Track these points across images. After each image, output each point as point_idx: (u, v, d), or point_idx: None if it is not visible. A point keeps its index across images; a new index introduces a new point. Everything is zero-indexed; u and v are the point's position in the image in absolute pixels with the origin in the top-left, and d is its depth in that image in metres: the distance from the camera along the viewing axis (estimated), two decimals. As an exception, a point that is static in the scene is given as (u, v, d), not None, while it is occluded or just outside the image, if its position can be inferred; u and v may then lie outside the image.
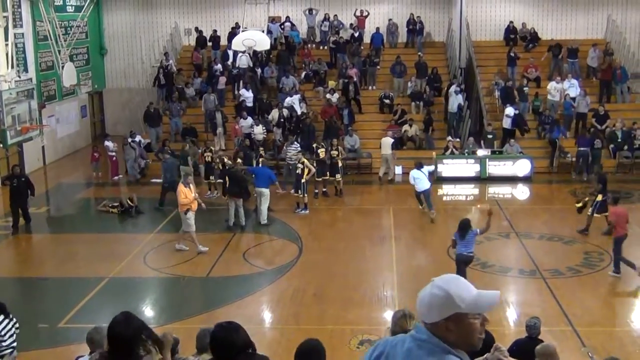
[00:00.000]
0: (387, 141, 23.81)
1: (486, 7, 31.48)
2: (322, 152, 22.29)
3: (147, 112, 27.04)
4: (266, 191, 19.24)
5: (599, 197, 17.91)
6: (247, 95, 27.33)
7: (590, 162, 24.09)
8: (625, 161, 24.76)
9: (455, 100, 25.97)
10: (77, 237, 19.40)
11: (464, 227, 13.79)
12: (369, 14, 30.98)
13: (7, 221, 19.61)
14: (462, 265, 13.78)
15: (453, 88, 26.21)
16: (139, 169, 24.59)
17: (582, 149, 24.18)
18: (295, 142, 23.67)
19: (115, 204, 20.95)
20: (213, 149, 23.18)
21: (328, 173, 22.15)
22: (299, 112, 26.35)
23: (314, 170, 20.67)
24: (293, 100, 26.68)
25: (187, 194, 16.99)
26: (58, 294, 15.20)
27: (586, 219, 18.14)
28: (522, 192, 23.54)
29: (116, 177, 24.84)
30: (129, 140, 24.65)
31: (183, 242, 17.41)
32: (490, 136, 25.04)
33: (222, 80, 28.62)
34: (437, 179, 23.79)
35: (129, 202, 20.81)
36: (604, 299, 14.01)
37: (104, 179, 24.95)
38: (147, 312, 14.29)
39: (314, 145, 22.77)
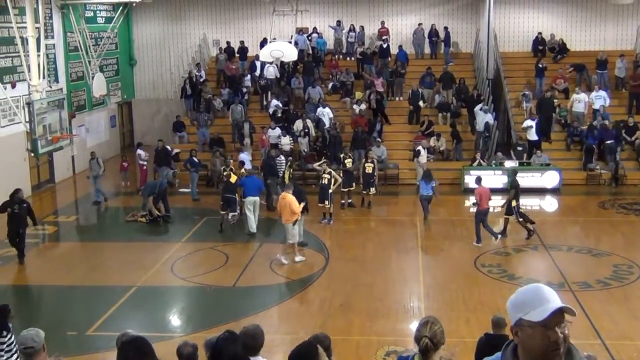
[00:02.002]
0: (424, 152, 23.98)
1: (514, 18, 31.36)
2: (348, 163, 22.28)
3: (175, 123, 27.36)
4: (258, 200, 19.77)
5: (514, 203, 18.61)
6: (276, 105, 27.44)
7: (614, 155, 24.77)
8: (655, 173, 24.49)
9: (483, 119, 25.74)
10: (105, 245, 19.58)
11: (428, 176, 20.23)
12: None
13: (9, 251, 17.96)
14: (425, 202, 20.25)
15: (480, 106, 26.00)
16: (104, 197, 23.66)
17: (608, 142, 24.75)
18: (281, 156, 23.02)
19: (144, 213, 21.11)
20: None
21: (359, 185, 22.09)
22: (327, 125, 26.38)
23: (340, 180, 20.65)
24: (323, 112, 26.74)
25: (296, 203, 17.12)
26: (86, 302, 15.32)
27: (523, 226, 18.79)
28: (550, 203, 23.36)
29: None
30: (96, 156, 23.81)
31: (284, 255, 17.33)
32: (520, 148, 24.86)
33: (250, 90, 28.84)
34: (464, 190, 23.75)
35: (158, 211, 20.96)
36: (633, 312, 13.83)
37: (133, 188, 25.15)
38: (174, 320, 14.37)
39: (341, 156, 22.77)
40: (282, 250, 17.35)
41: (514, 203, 18.66)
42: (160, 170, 24.41)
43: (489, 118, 25.73)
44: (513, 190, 18.86)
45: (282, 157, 22.96)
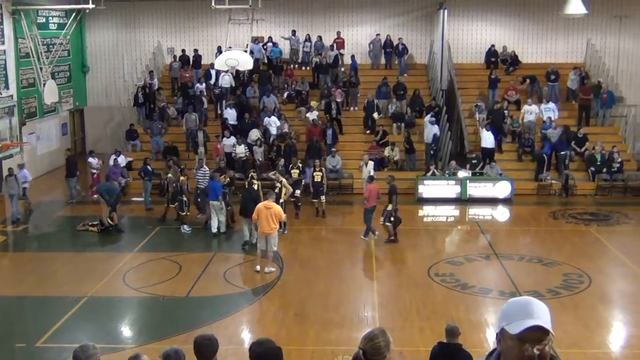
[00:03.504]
0: (370, 165, 23.69)
1: (468, 30, 31.78)
2: (295, 173, 22.22)
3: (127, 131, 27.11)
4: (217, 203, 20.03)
5: (389, 207, 19.11)
6: (231, 114, 27.38)
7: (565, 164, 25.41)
8: (604, 184, 25.01)
9: (431, 131, 25.86)
10: (56, 255, 19.22)
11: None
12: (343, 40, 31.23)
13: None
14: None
15: (428, 118, 26.14)
16: (19, 214, 22.66)
17: (562, 152, 25.43)
18: (204, 167, 22.57)
19: (95, 223, 20.83)
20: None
21: (307, 194, 22.10)
22: (273, 132, 26.42)
23: (291, 190, 20.61)
24: (270, 122, 26.74)
25: (282, 212, 17.13)
26: (36, 313, 15.02)
27: (386, 229, 19.29)
28: (502, 213, 23.67)
29: (96, 196, 24.69)
30: (15, 171, 22.42)
31: (271, 263, 17.20)
32: (474, 161, 25.14)
33: (204, 99, 28.68)
34: (417, 200, 23.96)
35: (109, 220, 20.69)
36: (583, 320, 14.06)
37: (85, 197, 24.77)
38: (126, 331, 14.19)
39: (290, 165, 22.73)
40: (269, 260, 17.19)
41: (389, 207, 19.14)
42: (68, 181, 24.09)
43: (436, 130, 25.94)
44: (394, 197, 19.25)
45: (206, 168, 22.54)
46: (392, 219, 19.26)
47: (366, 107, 28.00)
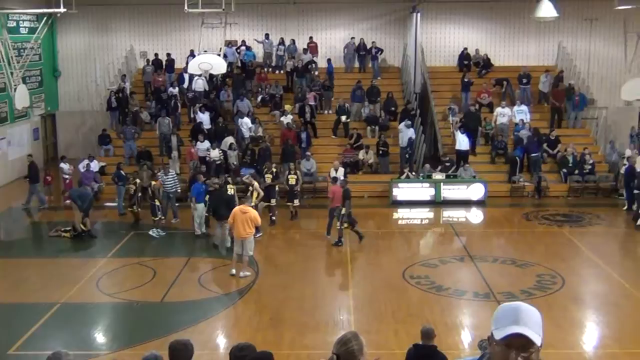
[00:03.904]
0: (340, 171, 23.52)
1: (440, 34, 31.96)
2: (268, 178, 22.08)
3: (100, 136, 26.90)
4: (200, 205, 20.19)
5: (343, 210, 19.35)
6: (204, 118, 27.27)
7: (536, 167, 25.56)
8: (576, 185, 25.26)
9: (406, 135, 25.93)
10: (28, 262, 18.97)
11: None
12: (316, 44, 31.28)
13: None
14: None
15: (404, 123, 26.15)
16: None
17: (533, 155, 25.58)
18: (171, 171, 22.54)
19: (68, 229, 20.63)
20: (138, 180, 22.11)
21: (275, 201, 22.00)
22: (246, 136, 26.38)
23: (262, 194, 20.54)
24: (242, 123, 26.69)
25: (259, 217, 17.16)
26: (7, 320, 14.82)
27: (337, 232, 19.46)
28: (476, 215, 23.81)
29: (68, 201, 24.47)
30: None
31: (246, 268, 17.13)
32: (447, 164, 25.26)
33: (178, 104, 28.55)
34: (392, 203, 24.03)
35: (82, 226, 20.50)
36: (557, 321, 14.16)
37: (57, 203, 24.56)
38: (100, 338, 14.05)
39: (264, 170, 22.62)
40: (245, 264, 17.12)
41: (343, 210, 19.36)
42: (32, 187, 23.88)
43: (412, 133, 26.03)
44: (347, 201, 19.45)
45: (173, 172, 22.58)
46: (346, 222, 19.48)
47: (337, 111, 28.06)
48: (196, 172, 22.09)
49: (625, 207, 23.13)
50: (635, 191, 22.00)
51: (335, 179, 20.83)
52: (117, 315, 15.51)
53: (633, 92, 25.64)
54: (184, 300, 15.79)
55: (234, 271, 17.00)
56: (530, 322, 2.98)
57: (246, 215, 16.64)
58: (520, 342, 2.94)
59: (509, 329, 2.94)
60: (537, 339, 2.96)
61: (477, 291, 15.96)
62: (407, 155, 25.85)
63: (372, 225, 22.21)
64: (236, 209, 17.13)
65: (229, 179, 21.09)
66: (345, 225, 19.53)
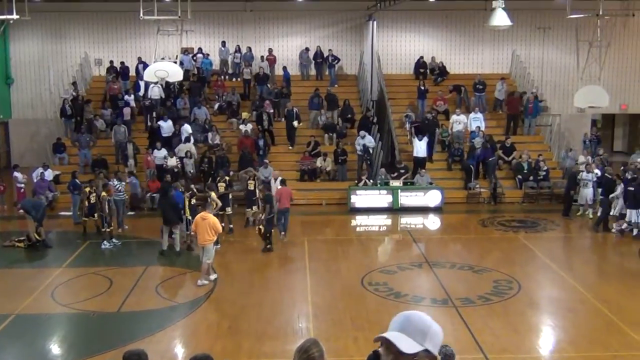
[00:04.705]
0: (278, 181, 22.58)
1: (397, 41, 32.22)
2: (221, 187, 21.91)
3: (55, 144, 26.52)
4: None
5: (262, 215, 19.81)
6: (166, 126, 26.93)
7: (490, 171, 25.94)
8: (531, 191, 25.61)
9: (360, 143, 26.05)
10: (-19, 272, 18.63)
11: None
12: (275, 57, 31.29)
13: None
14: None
15: (359, 137, 26.23)
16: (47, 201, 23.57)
17: (490, 159, 26.02)
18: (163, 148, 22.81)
19: (22, 239, 20.26)
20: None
21: (230, 210, 21.89)
22: (191, 141, 26.41)
23: (220, 204, 20.44)
24: (182, 130, 26.66)
25: (219, 224, 17.11)
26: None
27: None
28: (433, 222, 23.99)
29: (22, 211, 24.03)
30: None
31: (204, 276, 17.04)
32: (402, 171, 25.42)
33: (127, 111, 28.24)
34: (350, 210, 24.10)
35: (36, 236, 20.16)
36: (513, 326, 14.32)
37: (10, 212, 24.13)
38: (55, 349, 13.81)
39: (217, 179, 22.46)
40: (203, 272, 17.04)
41: (262, 215, 19.75)
42: None
43: (368, 141, 26.12)
44: (268, 205, 19.80)
45: (115, 181, 22.29)
46: (261, 226, 19.75)
47: (286, 117, 28.02)
48: (172, 180, 21.94)
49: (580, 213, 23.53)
50: (600, 197, 22.30)
51: (282, 181, 21.31)
52: (73, 326, 15.25)
53: (585, 100, 26.10)
54: (141, 310, 15.61)
55: (211, 277, 17.13)
56: (394, 326, 3.11)
57: (205, 221, 16.70)
58: (385, 347, 3.08)
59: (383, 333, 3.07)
60: (404, 345, 3.03)
61: (435, 297, 16.06)
62: (368, 162, 25.95)
63: (331, 232, 22.26)
64: (197, 216, 17.27)
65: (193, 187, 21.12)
66: (261, 228, 19.72)
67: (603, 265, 19.64)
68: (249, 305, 15.69)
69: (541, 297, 16.69)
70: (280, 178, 22.07)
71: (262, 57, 31.04)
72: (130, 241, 20.68)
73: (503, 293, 16.32)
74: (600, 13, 24.89)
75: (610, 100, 26.36)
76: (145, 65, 27.55)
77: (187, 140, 26.34)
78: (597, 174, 23.13)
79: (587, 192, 23.18)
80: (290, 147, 27.75)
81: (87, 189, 20.85)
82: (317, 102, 28.95)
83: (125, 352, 6.17)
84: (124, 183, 22.15)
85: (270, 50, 31.28)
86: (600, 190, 22.41)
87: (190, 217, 19.42)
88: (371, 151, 26.14)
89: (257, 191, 22.20)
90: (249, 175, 22.48)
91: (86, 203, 20.88)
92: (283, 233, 20.79)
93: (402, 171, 25.41)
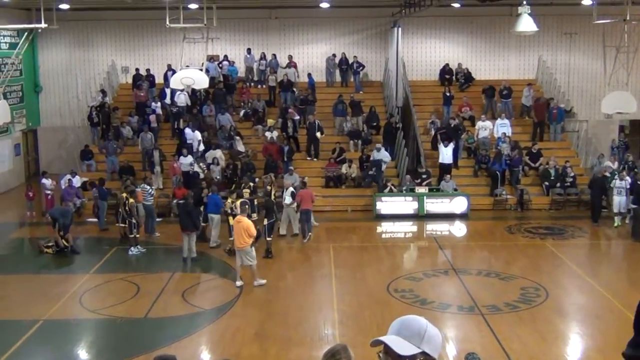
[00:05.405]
0: (289, 190, 22.32)
1: (422, 48, 32.17)
2: (246, 193, 21.93)
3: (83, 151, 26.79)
4: (216, 217, 20.58)
5: (265, 222, 19.67)
6: (190, 134, 27.03)
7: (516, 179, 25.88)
8: (558, 198, 25.40)
9: (376, 156, 25.99)
10: (10, 278, 18.82)
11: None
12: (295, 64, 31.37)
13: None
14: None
15: (375, 150, 26.22)
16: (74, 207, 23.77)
17: (515, 168, 25.90)
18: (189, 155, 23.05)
19: (50, 244, 20.47)
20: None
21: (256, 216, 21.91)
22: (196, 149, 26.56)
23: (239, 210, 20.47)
24: (193, 137, 26.81)
25: (253, 227, 17.30)
26: (-11, 338, 14.68)
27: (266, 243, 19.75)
28: (459, 228, 23.88)
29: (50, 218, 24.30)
30: None
31: (257, 279, 17.34)
32: (424, 176, 25.32)
33: (153, 118, 28.46)
34: (376, 217, 24.06)
35: (65, 242, 20.35)
36: (541, 333, 14.21)
37: (38, 218, 24.39)
38: (83, 355, 13.94)
39: (242, 185, 22.53)
40: (254, 275, 17.33)
41: (265, 221, 19.70)
42: None
43: (383, 155, 26.04)
44: (264, 211, 19.96)
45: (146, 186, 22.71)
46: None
47: (307, 129, 27.86)
48: (210, 184, 22.28)
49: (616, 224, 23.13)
50: (633, 206, 21.96)
51: (304, 184, 22.08)
52: (101, 331, 15.38)
53: (613, 105, 25.84)
54: (168, 316, 15.70)
55: (237, 283, 17.15)
56: (391, 331, 3.13)
57: (240, 225, 16.98)
58: (385, 352, 3.08)
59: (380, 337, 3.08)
60: (401, 348, 3.03)
61: (462, 304, 15.99)
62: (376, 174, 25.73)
63: (356, 239, 22.24)
64: (234, 219, 17.87)
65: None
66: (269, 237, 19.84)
67: (631, 272, 19.44)
68: (275, 311, 15.72)
69: (569, 304, 16.55)
70: (295, 184, 22.36)
71: (287, 63, 31.14)
72: (157, 247, 20.79)
73: (530, 300, 16.21)
74: (628, 18, 24.66)
75: (638, 106, 26.09)
76: (174, 73, 27.73)
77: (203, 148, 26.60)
78: (628, 181, 22.87)
79: (620, 200, 22.87)
80: (309, 159, 27.62)
81: (124, 194, 21.02)
82: (342, 109, 28.96)
83: (155, 356, 6.19)
84: (154, 188, 22.32)
85: (290, 57, 31.35)
86: (632, 198, 22.08)
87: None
88: (383, 166, 25.95)
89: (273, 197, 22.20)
90: (268, 182, 22.59)
91: (122, 209, 20.95)
92: (310, 234, 21.11)
93: (425, 176, 25.32)
